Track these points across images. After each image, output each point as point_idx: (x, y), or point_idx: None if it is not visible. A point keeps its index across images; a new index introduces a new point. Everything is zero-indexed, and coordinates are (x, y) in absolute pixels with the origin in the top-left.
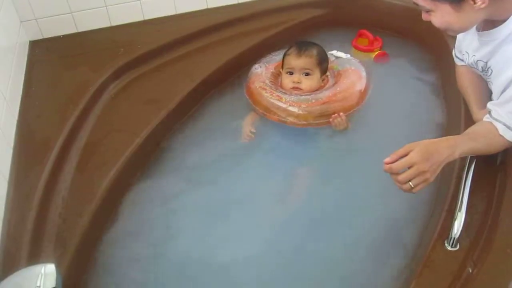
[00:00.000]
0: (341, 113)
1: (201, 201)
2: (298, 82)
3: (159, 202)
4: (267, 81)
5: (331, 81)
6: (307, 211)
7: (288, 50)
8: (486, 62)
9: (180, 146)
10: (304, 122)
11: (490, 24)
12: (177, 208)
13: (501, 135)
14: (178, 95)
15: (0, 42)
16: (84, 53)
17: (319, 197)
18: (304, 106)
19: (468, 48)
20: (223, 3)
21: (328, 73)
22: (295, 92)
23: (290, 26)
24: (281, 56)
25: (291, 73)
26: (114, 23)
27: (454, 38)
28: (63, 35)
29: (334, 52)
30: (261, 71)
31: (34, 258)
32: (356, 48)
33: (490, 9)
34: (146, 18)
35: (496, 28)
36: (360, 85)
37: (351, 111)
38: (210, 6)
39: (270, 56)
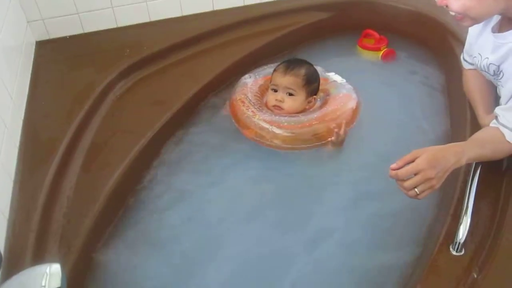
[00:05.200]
0: (343, 121)
1: (204, 203)
2: (280, 101)
3: (164, 203)
4: (249, 94)
5: (317, 104)
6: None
7: (277, 65)
8: (499, 66)
9: (185, 147)
10: (289, 146)
11: (506, 25)
12: (184, 206)
13: (508, 141)
14: (183, 97)
15: (7, 42)
16: (90, 53)
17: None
18: (293, 128)
19: (481, 50)
20: (229, 5)
21: (316, 96)
22: (276, 111)
23: (295, 29)
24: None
25: (275, 91)
26: (120, 24)
27: (459, 42)
28: (69, 36)
29: (331, 74)
30: (249, 82)
31: (39, 257)
32: (363, 47)
33: (509, 1)
34: (152, 19)
35: None
36: (351, 104)
37: (349, 127)
38: (216, 8)
39: (264, 67)
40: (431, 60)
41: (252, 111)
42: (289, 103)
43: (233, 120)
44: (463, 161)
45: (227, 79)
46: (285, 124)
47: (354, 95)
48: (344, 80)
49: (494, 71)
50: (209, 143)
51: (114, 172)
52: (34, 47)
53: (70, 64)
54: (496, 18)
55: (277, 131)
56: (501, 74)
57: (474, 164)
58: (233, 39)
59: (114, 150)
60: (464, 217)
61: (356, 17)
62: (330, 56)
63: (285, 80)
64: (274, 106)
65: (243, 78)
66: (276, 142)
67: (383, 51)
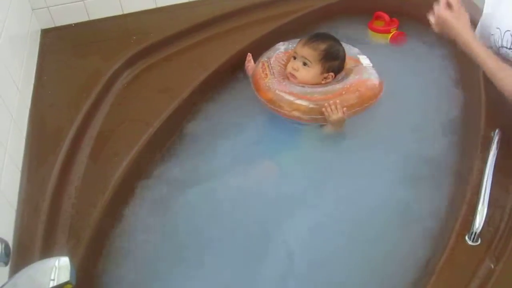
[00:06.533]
0: (336, 100)
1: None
2: (295, 70)
3: (172, 192)
4: (272, 59)
5: (334, 81)
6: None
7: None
8: None
9: (194, 136)
10: (293, 114)
11: None
12: (190, 197)
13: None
14: (191, 84)
15: (12, 30)
16: (96, 41)
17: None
18: (296, 96)
19: (500, 22)
20: None
21: (334, 74)
22: (291, 79)
23: (304, 14)
24: None
25: (294, 58)
26: (126, 11)
27: (473, 24)
28: (75, 23)
29: (362, 57)
30: (280, 49)
31: (48, 249)
32: (372, 29)
33: None
34: (159, 5)
35: None
36: (374, 79)
37: (369, 104)
38: None
39: (300, 38)
40: (443, 43)
41: (266, 73)
42: (303, 73)
43: (251, 82)
44: (461, 44)
45: (236, 67)
46: (288, 90)
47: (373, 81)
48: (371, 65)
49: None
50: (218, 130)
51: (122, 162)
52: (39, 35)
53: (76, 52)
54: None
55: (283, 95)
56: None
57: (491, 151)
58: (241, 25)
59: (122, 139)
60: (481, 206)
61: (367, 0)
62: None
63: (303, 50)
64: (289, 73)
65: (277, 44)
66: (287, 109)
67: (392, 33)
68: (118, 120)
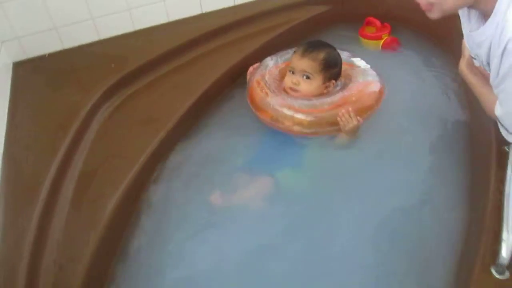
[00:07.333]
0: (349, 108)
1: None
2: (296, 84)
3: (164, 236)
4: (266, 76)
5: (337, 89)
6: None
7: (298, 47)
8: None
9: (184, 169)
10: (301, 130)
11: (479, 20)
12: (185, 233)
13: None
14: (178, 112)
15: None
16: (72, 71)
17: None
18: (313, 112)
19: (473, 52)
20: (219, 6)
21: (335, 81)
22: (292, 93)
23: (292, 26)
24: None
25: (292, 72)
26: (102, 36)
27: None
28: (48, 54)
29: (356, 60)
30: (270, 65)
31: None
32: (364, 36)
33: None
34: (137, 28)
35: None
36: (375, 86)
37: (369, 113)
38: (205, 10)
39: (287, 51)
40: (438, 48)
41: (266, 92)
42: (305, 87)
43: (249, 103)
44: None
45: (225, 87)
46: (296, 107)
47: (377, 82)
48: (369, 66)
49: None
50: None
51: (107, 206)
52: (11, 69)
53: (51, 85)
54: (467, 17)
55: (288, 113)
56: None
57: (506, 170)
58: (227, 42)
59: (105, 180)
60: (505, 234)
61: (357, 7)
62: None
63: (302, 63)
64: (289, 88)
65: (265, 60)
66: (289, 125)
67: (384, 39)
68: (100, 158)
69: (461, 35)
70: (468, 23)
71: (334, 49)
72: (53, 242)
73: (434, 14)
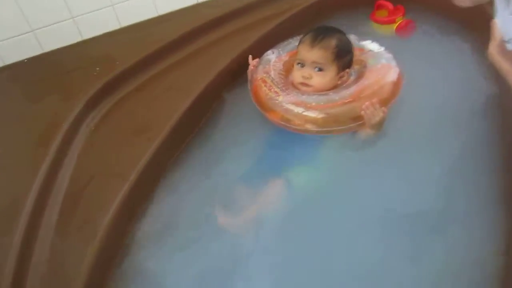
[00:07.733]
0: (373, 99)
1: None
2: (308, 78)
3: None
4: (271, 73)
5: (352, 79)
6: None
7: (303, 36)
8: None
9: (181, 184)
10: (319, 129)
11: None
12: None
13: None
14: (172, 117)
15: None
16: (53, 77)
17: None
18: (323, 108)
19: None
20: None
21: (349, 70)
22: (304, 88)
23: (296, 12)
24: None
25: (302, 65)
26: (85, 36)
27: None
28: (27, 59)
29: (367, 43)
30: (272, 59)
31: None
32: (375, 21)
33: None
34: (123, 25)
35: None
36: (392, 75)
37: (392, 102)
38: (201, 0)
39: (289, 41)
40: (460, 31)
41: (275, 91)
42: (318, 80)
43: (256, 104)
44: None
45: (225, 86)
46: (313, 104)
47: (394, 65)
48: (382, 48)
49: None
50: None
51: (96, 232)
52: None
53: (30, 94)
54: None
55: (304, 112)
56: None
57: None
58: (224, 35)
59: (93, 201)
60: None
61: None
62: None
63: (313, 54)
64: (300, 83)
65: (265, 54)
66: (305, 124)
67: (397, 23)
68: (87, 176)
69: (487, 16)
70: (507, 6)
71: (344, 33)
72: (35, 279)
73: (463, 2)
